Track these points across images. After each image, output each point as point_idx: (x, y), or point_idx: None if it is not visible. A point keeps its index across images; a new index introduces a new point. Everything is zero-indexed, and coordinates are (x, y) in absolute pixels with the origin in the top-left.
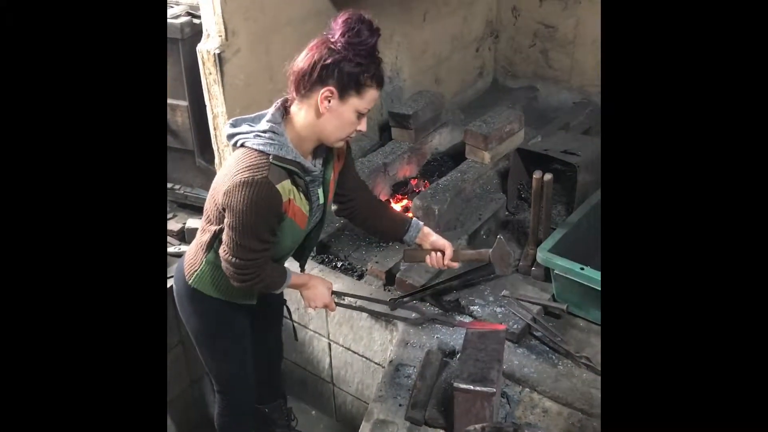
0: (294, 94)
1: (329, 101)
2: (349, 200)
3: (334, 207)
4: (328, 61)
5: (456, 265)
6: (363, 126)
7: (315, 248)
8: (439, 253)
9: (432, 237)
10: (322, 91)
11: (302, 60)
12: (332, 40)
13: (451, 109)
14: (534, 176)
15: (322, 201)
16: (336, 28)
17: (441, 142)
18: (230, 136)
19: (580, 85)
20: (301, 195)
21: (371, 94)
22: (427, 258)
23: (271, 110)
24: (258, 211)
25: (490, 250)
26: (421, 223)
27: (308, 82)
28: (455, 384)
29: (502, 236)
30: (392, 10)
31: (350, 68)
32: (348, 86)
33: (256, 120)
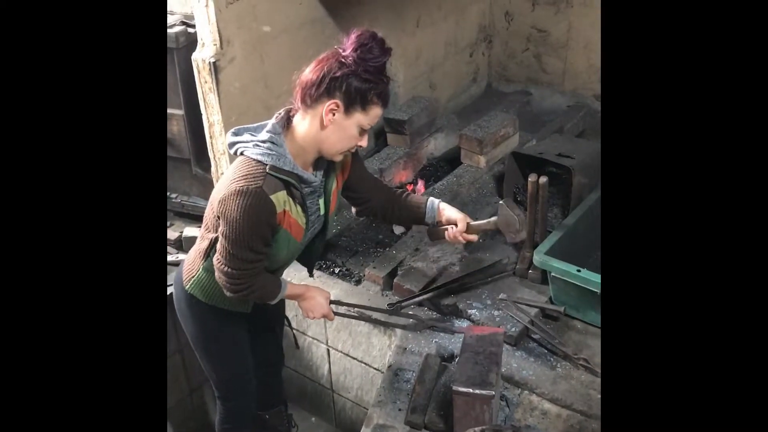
0: (299, 104)
1: (334, 114)
2: (367, 201)
3: (354, 210)
4: (337, 74)
5: (474, 238)
6: (364, 142)
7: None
8: (453, 227)
9: (446, 212)
10: (328, 103)
11: (311, 71)
12: (343, 54)
13: (446, 114)
14: (529, 179)
15: (322, 212)
16: (348, 43)
17: (436, 147)
18: (231, 145)
19: (573, 89)
20: (298, 207)
21: (376, 112)
22: (446, 234)
23: (272, 120)
24: (251, 221)
25: (497, 218)
26: (437, 201)
27: (315, 93)
28: (454, 387)
29: (506, 200)
30: (385, 16)
31: (358, 84)
32: (354, 101)
33: (258, 129)
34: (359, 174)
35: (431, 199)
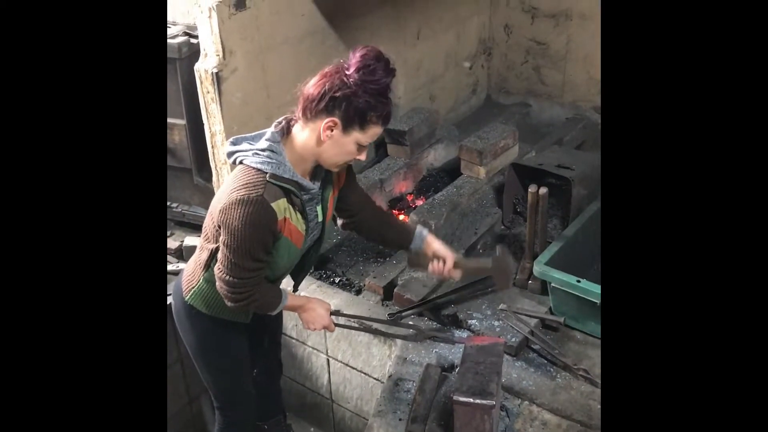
0: (299, 115)
1: (332, 131)
2: (354, 214)
3: (340, 221)
4: (338, 93)
5: (458, 275)
6: (363, 156)
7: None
8: (440, 262)
9: (435, 245)
10: (326, 120)
11: (313, 86)
12: (347, 72)
13: (446, 125)
14: (529, 190)
15: (320, 219)
16: (353, 62)
17: (436, 158)
18: (230, 154)
19: (572, 101)
20: (298, 214)
21: (374, 131)
22: (429, 266)
23: (271, 129)
24: (252, 229)
25: (490, 262)
26: (426, 231)
27: (315, 108)
28: (455, 397)
29: (503, 248)
30: (387, 28)
31: (358, 104)
32: (353, 121)
33: (257, 138)
34: (351, 186)
35: (420, 227)
